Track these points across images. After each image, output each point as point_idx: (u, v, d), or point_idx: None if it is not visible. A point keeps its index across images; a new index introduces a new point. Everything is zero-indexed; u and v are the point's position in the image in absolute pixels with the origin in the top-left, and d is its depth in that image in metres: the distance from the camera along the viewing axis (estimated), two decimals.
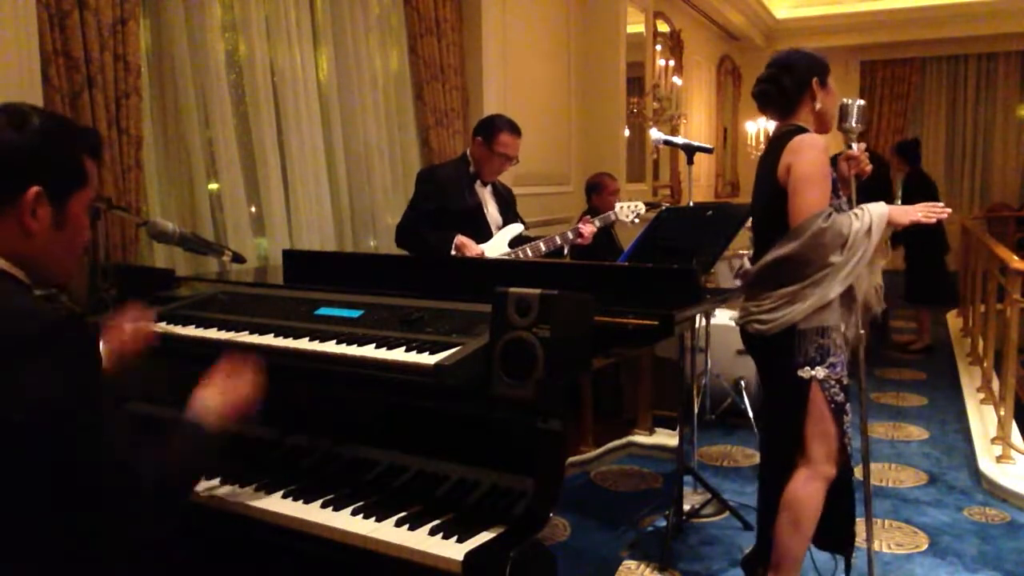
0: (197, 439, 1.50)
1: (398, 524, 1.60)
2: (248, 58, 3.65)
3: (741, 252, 4.85)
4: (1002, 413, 4.17)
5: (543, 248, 3.44)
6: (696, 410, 3.93)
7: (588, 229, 3.47)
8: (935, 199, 6.65)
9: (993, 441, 4.21)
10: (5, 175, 1.33)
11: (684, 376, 3.58)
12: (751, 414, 4.51)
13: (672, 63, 8.05)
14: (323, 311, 2.01)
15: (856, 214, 2.40)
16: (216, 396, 1.55)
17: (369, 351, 1.74)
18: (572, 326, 1.57)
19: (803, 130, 2.48)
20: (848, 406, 2.47)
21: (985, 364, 5.18)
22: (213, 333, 1.99)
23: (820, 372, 2.41)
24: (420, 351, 1.70)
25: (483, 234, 3.43)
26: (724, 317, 4.63)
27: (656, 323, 1.71)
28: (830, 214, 2.35)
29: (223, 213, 3.54)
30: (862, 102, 2.53)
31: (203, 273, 2.98)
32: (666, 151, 8.18)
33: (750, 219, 2.95)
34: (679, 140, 3.72)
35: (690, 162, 3.60)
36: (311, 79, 3.95)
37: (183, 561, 1.65)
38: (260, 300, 2.21)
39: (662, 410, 4.40)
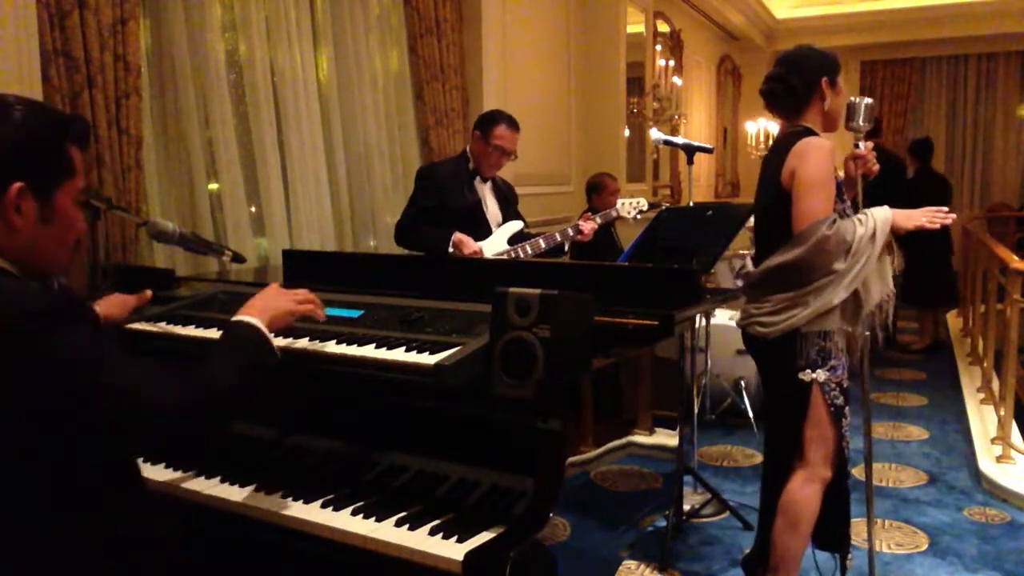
0: (236, 336, 1.58)
1: (398, 524, 1.60)
2: (248, 58, 3.65)
3: (741, 252, 4.85)
4: (1002, 413, 4.17)
5: (543, 245, 3.43)
6: (696, 410, 3.93)
7: (589, 226, 3.46)
8: (945, 198, 6.69)
9: (993, 441, 4.21)
10: None
11: (684, 376, 3.58)
12: (751, 414, 4.51)
13: (672, 63, 8.04)
14: None
15: (860, 219, 2.39)
16: (257, 302, 1.65)
17: (369, 351, 1.74)
18: (572, 326, 1.57)
19: (809, 132, 2.46)
20: (847, 409, 2.47)
21: (985, 364, 5.18)
22: (213, 333, 1.99)
23: (821, 375, 2.41)
24: (420, 351, 1.70)
25: (482, 231, 3.43)
26: (724, 317, 4.63)
27: (656, 323, 1.71)
28: (834, 220, 2.34)
29: (223, 213, 3.54)
30: (869, 100, 2.51)
31: (203, 273, 2.98)
32: (666, 151, 8.18)
33: (751, 219, 2.95)
34: (679, 140, 3.72)
35: (690, 162, 3.60)
36: (311, 79, 3.95)
37: (183, 561, 1.65)
38: None
39: (662, 410, 4.39)
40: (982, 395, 5.10)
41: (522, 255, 3.39)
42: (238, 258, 2.48)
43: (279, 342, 1.87)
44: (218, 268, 2.80)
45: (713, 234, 3.09)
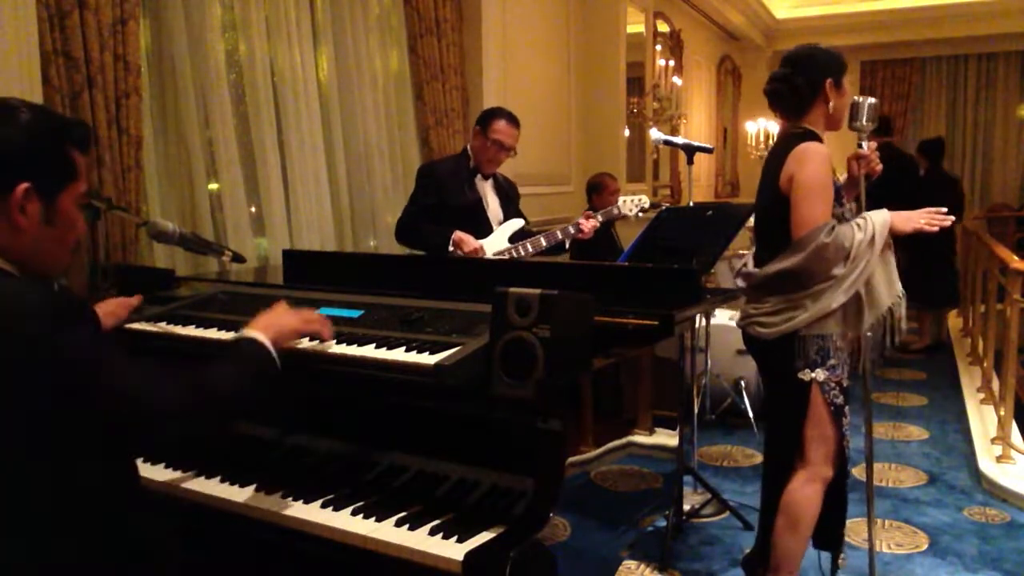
0: (240, 349, 1.58)
1: (398, 524, 1.60)
2: (248, 58, 3.65)
3: (741, 252, 4.84)
4: (1002, 413, 4.17)
5: (544, 243, 3.43)
6: (696, 410, 3.93)
7: (590, 224, 3.44)
8: (956, 198, 6.68)
9: (993, 441, 4.21)
10: None
11: (684, 376, 3.58)
12: (751, 414, 4.51)
13: (672, 63, 8.04)
14: (323, 311, 2.00)
15: (858, 224, 2.38)
16: (264, 319, 1.66)
17: (369, 351, 1.74)
18: (572, 326, 1.57)
19: (810, 133, 2.46)
20: (847, 408, 2.47)
21: (985, 364, 5.18)
22: (213, 333, 1.99)
23: (820, 375, 2.41)
24: (420, 351, 1.70)
25: (483, 229, 3.43)
26: (724, 317, 4.62)
27: (656, 323, 1.71)
28: (832, 227, 2.34)
29: (223, 213, 3.54)
30: (873, 100, 2.51)
31: (203, 273, 2.98)
32: (666, 151, 8.18)
33: (751, 218, 2.95)
34: (679, 140, 3.72)
35: (690, 162, 3.60)
36: (311, 79, 3.95)
37: (183, 561, 1.65)
38: (260, 300, 2.20)
39: (662, 410, 4.40)
40: (982, 395, 5.09)
41: (523, 253, 3.38)
42: (238, 258, 2.48)
43: None
44: (218, 268, 2.80)
45: (713, 234, 3.09)
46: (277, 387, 1.63)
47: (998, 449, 4.07)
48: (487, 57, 4.96)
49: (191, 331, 2.04)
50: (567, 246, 3.56)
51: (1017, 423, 4.25)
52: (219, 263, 2.58)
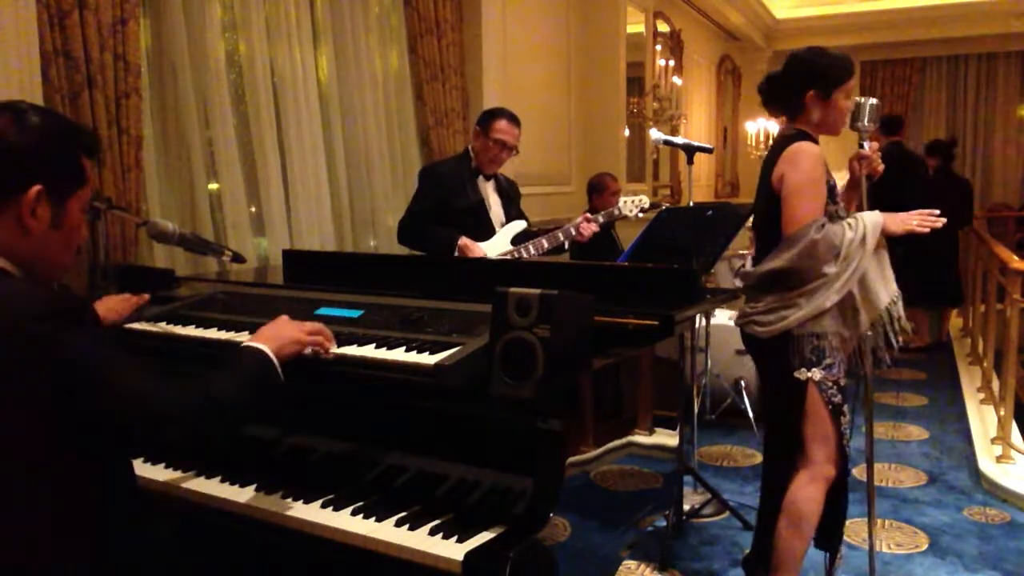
0: (243, 358, 1.58)
1: (398, 524, 1.60)
2: (248, 58, 3.65)
3: (741, 252, 4.85)
4: (1002, 413, 4.17)
5: (546, 245, 3.43)
6: (696, 410, 3.93)
7: (589, 229, 3.44)
8: (964, 199, 6.67)
9: (993, 441, 4.21)
10: (7, 173, 1.34)
11: (684, 376, 3.58)
12: (751, 414, 4.51)
13: (672, 63, 8.04)
14: (323, 311, 2.01)
15: (850, 224, 2.39)
16: (267, 330, 1.65)
17: (369, 351, 1.74)
18: (572, 326, 1.57)
19: (803, 134, 2.47)
20: (846, 407, 2.47)
21: (985, 364, 5.18)
22: (213, 333, 1.99)
23: (816, 374, 2.41)
24: (420, 351, 1.70)
25: (485, 230, 3.43)
26: (724, 317, 4.62)
27: (656, 323, 1.71)
28: (823, 224, 2.35)
29: (223, 213, 3.54)
30: (875, 101, 2.50)
31: (203, 273, 2.98)
32: (666, 151, 8.18)
33: (750, 219, 2.95)
34: (679, 140, 3.72)
35: (690, 162, 3.60)
36: (311, 79, 3.95)
37: (183, 562, 1.65)
38: (260, 300, 2.21)
39: (662, 410, 4.40)
40: (982, 395, 5.10)
41: (525, 256, 3.39)
42: (238, 258, 2.48)
43: None
44: (218, 268, 2.81)
45: (713, 234, 3.09)
46: (283, 398, 1.63)
47: (998, 449, 4.07)
48: (487, 57, 4.96)
49: (191, 331, 2.04)
50: (566, 247, 3.57)
51: (1017, 423, 4.25)
52: (219, 263, 2.58)
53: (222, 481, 1.84)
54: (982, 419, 4.69)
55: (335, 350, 1.75)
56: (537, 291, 1.55)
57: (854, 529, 3.21)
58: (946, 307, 7.10)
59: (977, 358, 5.80)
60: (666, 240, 2.99)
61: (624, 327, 1.72)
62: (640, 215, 3.60)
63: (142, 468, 1.89)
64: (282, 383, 1.60)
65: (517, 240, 3.44)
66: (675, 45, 8.37)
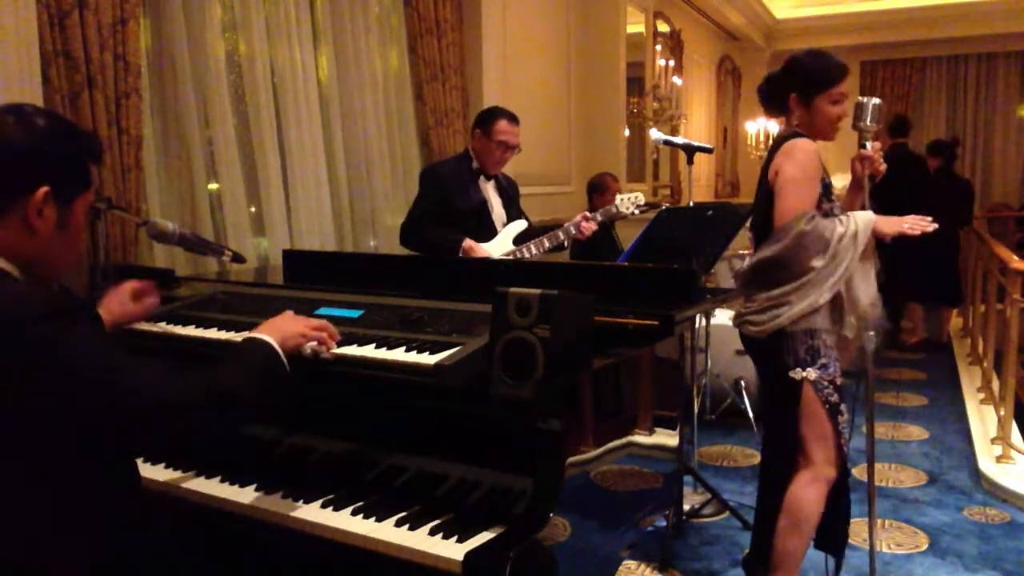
0: (248, 350, 1.58)
1: (398, 524, 1.60)
2: (248, 58, 3.65)
3: (741, 252, 4.85)
4: (1002, 413, 4.17)
5: (547, 244, 3.44)
6: (696, 410, 3.93)
7: (588, 227, 3.45)
8: (964, 200, 6.66)
9: (993, 441, 4.21)
10: (16, 173, 1.34)
11: (684, 376, 3.58)
12: (751, 414, 4.51)
13: (672, 63, 8.04)
14: (323, 311, 2.01)
15: (841, 220, 2.40)
16: (270, 324, 1.66)
17: (369, 351, 1.74)
18: (572, 326, 1.57)
19: (800, 135, 2.48)
20: (844, 406, 2.47)
21: (985, 364, 5.18)
22: (213, 333, 1.99)
23: (811, 373, 2.41)
24: (420, 351, 1.70)
25: (488, 231, 3.43)
26: (724, 317, 4.62)
27: (656, 323, 1.71)
28: (812, 217, 2.35)
29: (223, 213, 3.54)
30: (877, 100, 2.49)
31: (203, 273, 2.98)
32: (666, 151, 8.18)
33: (750, 219, 2.95)
34: (679, 140, 3.72)
35: (690, 162, 3.60)
36: (311, 79, 3.95)
37: (183, 562, 1.65)
38: (260, 300, 2.21)
39: (662, 410, 4.40)
40: (982, 395, 5.10)
41: (527, 255, 3.40)
42: (238, 258, 2.48)
43: None
44: (218, 268, 2.81)
45: (713, 234, 3.09)
46: (291, 393, 1.63)
47: (998, 449, 4.07)
48: (487, 57, 4.96)
49: (191, 331, 2.04)
50: (566, 245, 3.58)
51: (1017, 423, 4.25)
52: (219, 263, 2.58)
53: (222, 481, 1.84)
54: (982, 419, 4.69)
55: (335, 350, 1.75)
56: (537, 291, 1.55)
57: (854, 529, 3.20)
58: (946, 307, 7.10)
59: (977, 358, 5.80)
60: (666, 240, 2.99)
61: (624, 327, 1.72)
62: (636, 212, 3.61)
63: (142, 468, 1.89)
64: (287, 374, 1.60)
65: (519, 240, 3.45)
66: (675, 45, 8.37)
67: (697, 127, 9.29)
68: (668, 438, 4.28)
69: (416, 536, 1.56)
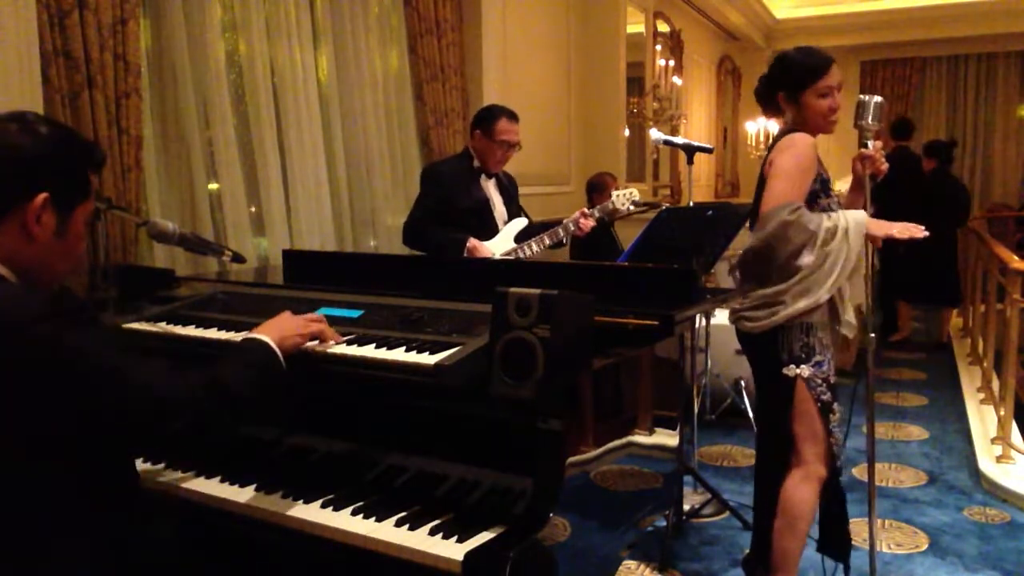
0: (247, 350, 1.60)
1: (398, 524, 1.60)
2: (248, 58, 3.65)
3: (741, 252, 4.85)
4: (1002, 413, 4.17)
5: (547, 242, 3.45)
6: (696, 410, 3.93)
7: (587, 224, 3.46)
8: (957, 201, 6.65)
9: (993, 441, 4.21)
10: (16, 179, 1.35)
11: (684, 376, 3.58)
12: (751, 414, 4.51)
13: (672, 63, 8.05)
14: (323, 311, 2.00)
15: (828, 215, 2.40)
16: (268, 324, 1.68)
17: (369, 351, 1.74)
18: (572, 326, 1.57)
19: (796, 131, 2.48)
20: (836, 405, 2.46)
21: (985, 364, 5.18)
22: (213, 333, 1.99)
23: (805, 371, 2.41)
24: (420, 351, 1.70)
25: (489, 229, 3.44)
26: (724, 317, 4.61)
27: (656, 323, 1.71)
28: (798, 208, 2.34)
29: (223, 213, 3.54)
30: (879, 99, 2.47)
31: (203, 273, 2.97)
32: (666, 151, 8.18)
33: (750, 219, 2.95)
34: (679, 140, 3.72)
35: (690, 162, 3.60)
36: (311, 79, 3.95)
37: (183, 561, 1.65)
38: (260, 300, 2.21)
39: (662, 410, 4.39)
40: (982, 395, 5.09)
41: (529, 253, 3.40)
42: (238, 258, 2.48)
43: None
44: (218, 268, 2.80)
45: (713, 234, 3.09)
46: (287, 392, 1.64)
47: (998, 449, 4.07)
48: (487, 57, 4.97)
49: (191, 331, 2.04)
50: (565, 242, 3.59)
51: (1017, 423, 4.25)
52: (219, 263, 2.58)
53: (222, 481, 1.84)
54: (982, 419, 4.69)
55: (335, 350, 1.75)
56: (537, 291, 1.55)
57: (854, 529, 3.20)
58: (945, 307, 7.10)
59: (977, 358, 5.80)
60: (666, 240, 2.99)
61: (624, 327, 1.72)
62: (632, 207, 3.61)
63: (142, 468, 1.89)
64: (285, 371, 1.61)
65: (520, 238, 3.45)
66: (675, 45, 8.38)
67: (697, 127, 9.29)
68: (668, 438, 4.26)
69: (416, 536, 1.56)
